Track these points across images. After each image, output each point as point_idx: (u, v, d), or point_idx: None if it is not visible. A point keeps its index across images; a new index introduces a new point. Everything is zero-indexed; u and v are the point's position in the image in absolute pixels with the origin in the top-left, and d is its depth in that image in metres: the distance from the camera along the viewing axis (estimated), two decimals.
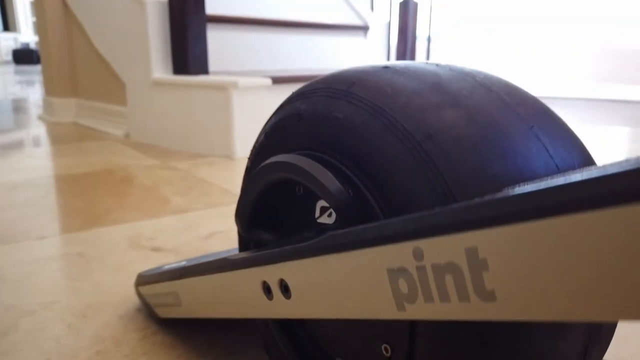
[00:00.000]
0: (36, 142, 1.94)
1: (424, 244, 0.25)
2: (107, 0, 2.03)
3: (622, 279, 0.18)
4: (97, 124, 2.24)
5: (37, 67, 8.50)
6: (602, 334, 0.33)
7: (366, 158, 0.34)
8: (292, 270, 0.35)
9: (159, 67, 1.81)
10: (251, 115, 1.64)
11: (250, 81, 1.60)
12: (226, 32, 2.01)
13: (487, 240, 0.22)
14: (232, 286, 0.43)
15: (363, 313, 0.31)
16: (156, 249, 0.88)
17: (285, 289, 0.37)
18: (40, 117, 2.56)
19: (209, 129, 1.68)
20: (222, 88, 1.59)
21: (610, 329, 0.34)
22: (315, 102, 0.38)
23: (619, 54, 3.45)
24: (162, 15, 1.78)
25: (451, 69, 0.37)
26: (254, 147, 0.45)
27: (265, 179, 0.41)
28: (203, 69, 1.78)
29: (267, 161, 0.40)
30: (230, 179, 1.38)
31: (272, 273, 0.38)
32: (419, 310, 0.27)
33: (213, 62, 1.91)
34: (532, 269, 0.21)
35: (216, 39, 1.95)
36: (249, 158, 0.46)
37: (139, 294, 0.65)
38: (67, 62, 2.38)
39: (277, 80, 1.69)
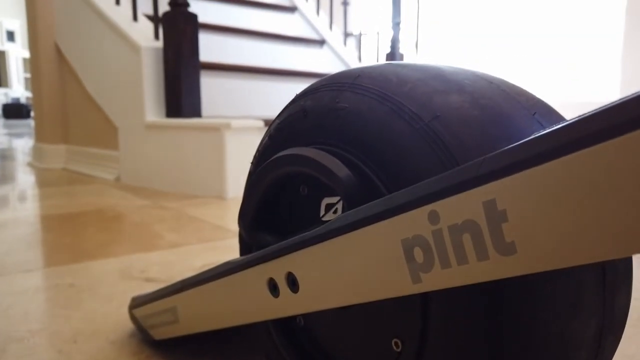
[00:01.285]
0: (24, 186, 1.92)
1: (439, 205, 0.25)
2: (102, 47, 2.07)
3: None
4: (87, 169, 2.23)
5: (27, 121, 8.54)
6: (615, 316, 0.33)
7: (373, 143, 0.34)
8: (300, 261, 0.35)
9: (152, 110, 1.83)
10: (243, 156, 1.65)
11: (242, 122, 1.62)
12: (218, 78, 2.05)
13: (505, 189, 0.22)
14: (235, 289, 0.42)
15: (376, 293, 0.30)
16: (149, 280, 0.86)
17: (292, 283, 0.36)
18: (29, 164, 2.54)
19: (201, 170, 1.68)
20: (215, 129, 1.61)
21: (624, 312, 0.34)
22: (320, 97, 0.39)
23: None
24: (156, 60, 1.82)
25: (451, 66, 0.39)
26: (258, 150, 0.46)
27: (269, 176, 0.41)
28: (196, 113, 1.80)
29: (272, 158, 0.40)
30: (223, 217, 1.37)
31: (279, 267, 0.37)
32: (435, 279, 0.26)
33: (205, 107, 1.94)
34: (551, 212, 0.21)
35: (209, 85, 1.99)
36: (251, 162, 0.46)
37: (133, 318, 0.63)
38: (59, 108, 2.40)
39: (269, 122, 1.72)
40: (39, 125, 2.46)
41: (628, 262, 0.34)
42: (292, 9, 2.92)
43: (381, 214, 0.28)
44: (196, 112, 1.79)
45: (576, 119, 0.20)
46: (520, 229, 0.22)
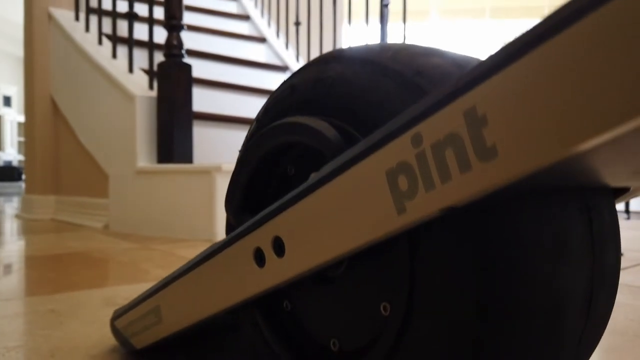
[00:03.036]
0: (8, 234, 1.89)
1: (422, 127, 0.26)
2: (97, 98, 2.11)
3: (620, 76, 0.19)
4: (75, 219, 2.21)
5: (18, 184, 8.53)
6: (605, 273, 0.33)
7: (359, 103, 0.35)
8: (285, 222, 0.35)
9: (144, 157, 1.84)
10: None
11: (233, 166, 1.63)
12: (209, 128, 2.08)
13: (483, 94, 0.23)
14: (219, 270, 0.42)
15: (363, 236, 0.30)
16: None
17: (279, 247, 0.36)
18: (17, 216, 2.52)
19: (191, 214, 1.67)
20: (205, 172, 1.62)
21: (613, 272, 0.33)
22: (307, 72, 0.40)
23: None
24: (150, 108, 1.85)
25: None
26: (246, 138, 0.46)
27: (256, 153, 0.41)
28: (187, 159, 1.81)
29: (258, 134, 0.41)
30: None
31: (265, 234, 0.36)
32: (420, 205, 0.26)
33: (197, 156, 1.96)
34: (527, 107, 0.21)
35: (200, 134, 2.02)
36: (240, 150, 0.47)
37: (115, 330, 0.61)
38: (51, 159, 2.41)
39: None
40: (29, 176, 2.46)
41: (614, 218, 0.34)
42: (283, 69, 3.02)
43: (364, 152, 0.29)
44: (188, 158, 1.81)
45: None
46: (500, 128, 0.22)
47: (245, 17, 3.37)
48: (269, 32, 3.27)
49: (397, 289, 0.33)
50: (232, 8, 3.45)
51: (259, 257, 0.38)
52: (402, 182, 0.27)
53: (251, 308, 0.44)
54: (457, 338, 0.29)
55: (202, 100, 2.19)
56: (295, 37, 2.98)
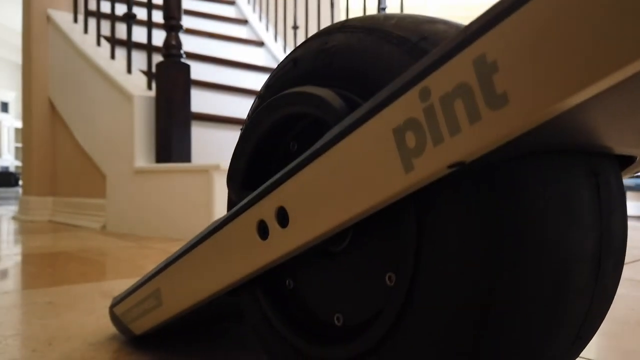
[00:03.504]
0: (7, 234, 1.88)
1: (429, 80, 0.25)
2: (95, 98, 2.11)
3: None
4: (72, 220, 2.20)
5: (15, 189, 8.49)
6: (613, 238, 0.32)
7: (364, 71, 0.34)
8: (290, 191, 0.34)
9: (142, 157, 1.84)
10: None
11: None
12: (208, 129, 2.08)
13: (493, 39, 0.23)
14: (222, 246, 0.41)
15: (370, 200, 0.29)
16: None
17: (282, 217, 0.35)
18: (14, 217, 2.50)
19: (190, 214, 1.67)
20: (203, 171, 1.61)
21: (621, 237, 0.33)
22: (309, 45, 0.40)
23: None
24: (148, 108, 1.85)
25: None
26: (248, 116, 0.46)
27: (260, 127, 0.41)
28: (186, 159, 1.81)
29: (261, 106, 0.41)
30: None
31: (269, 205, 0.36)
32: (428, 162, 0.26)
33: (195, 157, 1.95)
34: (537, 51, 0.21)
35: (198, 135, 2.02)
36: (241, 129, 0.46)
37: (114, 318, 0.60)
38: (49, 161, 2.40)
39: None
40: (26, 178, 2.44)
41: (620, 187, 0.33)
42: None
43: (370, 112, 0.28)
44: (186, 157, 1.80)
45: None
46: (511, 74, 0.22)
47: (244, 22, 3.38)
48: (267, 36, 3.28)
49: (402, 259, 0.33)
50: (231, 12, 3.45)
51: (263, 230, 0.37)
52: (410, 139, 0.26)
53: (253, 287, 0.44)
54: (465, 305, 0.29)
55: (200, 102, 2.19)
56: (294, 41, 2.99)
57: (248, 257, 0.39)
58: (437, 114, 0.25)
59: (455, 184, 0.29)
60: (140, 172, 1.82)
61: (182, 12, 1.89)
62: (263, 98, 0.44)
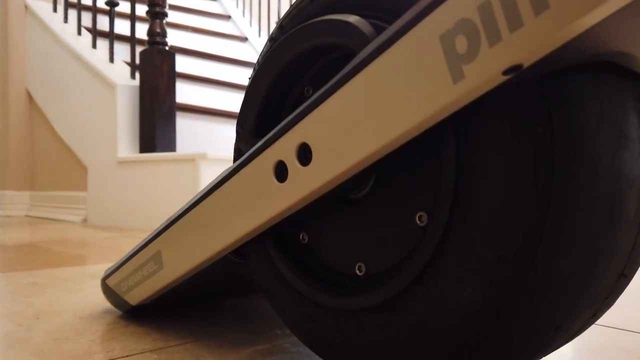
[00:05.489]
0: None
1: None
2: (75, 88, 2.05)
3: None
4: (51, 214, 2.14)
5: None
6: None
7: None
8: (315, 123, 0.32)
9: (125, 147, 1.79)
10: None
11: (219, 153, 1.59)
12: (192, 120, 2.04)
13: None
14: (234, 194, 0.38)
15: (408, 122, 0.27)
16: None
17: (304, 155, 0.33)
18: None
19: (176, 205, 1.62)
20: (190, 160, 1.58)
21: None
22: None
23: None
24: (132, 97, 1.80)
25: None
26: (257, 62, 0.43)
27: (274, 67, 0.38)
28: (171, 148, 1.77)
29: (278, 41, 0.38)
30: None
31: (289, 142, 0.33)
32: (482, 66, 0.24)
33: (179, 148, 1.91)
34: None
35: (183, 126, 1.97)
36: (249, 77, 0.44)
37: (107, 289, 0.56)
38: (26, 154, 2.33)
39: None
40: (2, 172, 2.36)
41: None
42: None
43: (411, 22, 0.26)
44: (171, 147, 1.76)
45: None
46: None
47: (227, 17, 3.34)
48: (251, 32, 3.25)
49: (438, 194, 0.30)
50: (214, 8, 3.41)
51: (280, 171, 0.34)
52: (460, 43, 0.24)
53: (263, 245, 0.41)
54: (513, 237, 0.27)
55: (185, 94, 2.15)
56: None
57: (263, 204, 0.36)
58: (495, 9, 0.23)
59: (501, 102, 0.27)
60: (124, 162, 1.77)
61: (167, 7, 1.84)
62: (275, 40, 0.41)
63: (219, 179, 0.40)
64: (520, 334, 0.28)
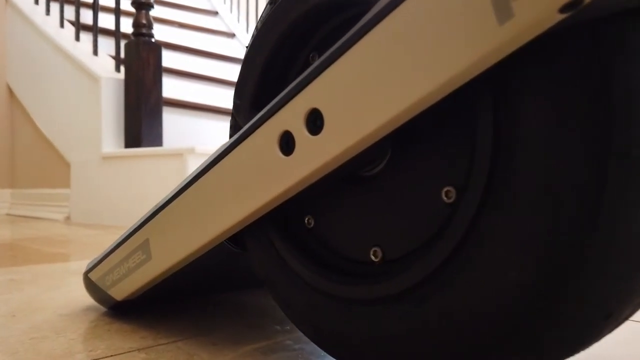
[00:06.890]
0: None
1: None
2: (58, 82, 1.99)
3: None
4: (33, 212, 2.07)
5: None
6: None
7: None
8: (327, 85, 0.28)
9: (110, 142, 1.73)
10: None
11: (206, 148, 1.55)
12: (179, 115, 1.98)
13: None
14: (231, 172, 0.34)
15: (441, 75, 0.23)
16: None
17: (314, 123, 0.29)
18: None
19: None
20: (177, 155, 1.52)
21: None
22: None
23: None
24: (116, 91, 1.75)
25: None
26: (256, 27, 0.39)
27: (276, 30, 0.34)
28: (157, 143, 1.71)
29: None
30: None
31: (297, 108, 0.29)
32: (533, 3, 0.20)
33: (165, 143, 1.86)
34: None
35: (169, 121, 1.92)
36: (248, 45, 0.40)
37: (90, 284, 0.52)
38: (6, 150, 2.25)
39: None
40: None
41: None
42: None
43: None
44: (157, 142, 1.70)
45: None
46: None
47: (214, 13, 3.28)
48: (239, 28, 3.20)
49: (470, 165, 0.27)
50: (202, 4, 3.35)
51: (286, 143, 0.30)
52: None
53: (265, 230, 0.37)
54: (567, 209, 0.23)
55: (171, 89, 2.09)
56: None
57: (266, 181, 0.32)
58: None
59: (549, 53, 0.23)
60: (108, 158, 1.72)
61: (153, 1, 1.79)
62: (275, 2, 0.37)
63: (215, 156, 0.36)
64: (568, 324, 0.25)
